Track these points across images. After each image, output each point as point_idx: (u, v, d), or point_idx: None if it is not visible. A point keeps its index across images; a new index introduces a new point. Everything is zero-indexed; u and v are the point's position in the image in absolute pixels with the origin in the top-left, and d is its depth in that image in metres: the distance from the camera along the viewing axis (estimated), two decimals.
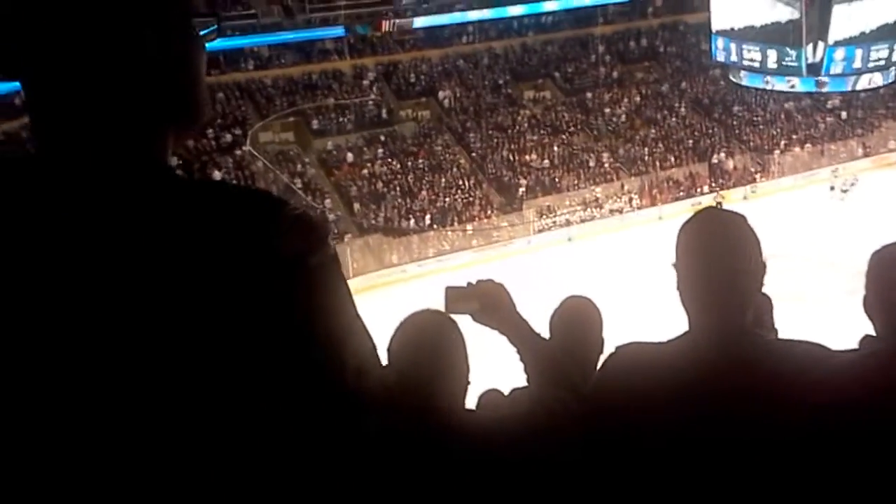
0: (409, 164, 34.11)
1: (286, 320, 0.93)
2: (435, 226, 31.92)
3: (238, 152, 31.93)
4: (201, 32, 1.07)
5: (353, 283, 26.10)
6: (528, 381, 2.03)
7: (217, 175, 30.59)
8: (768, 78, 24.01)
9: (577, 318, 2.84)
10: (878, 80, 23.94)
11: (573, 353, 2.49)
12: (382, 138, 34.82)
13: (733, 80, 26.73)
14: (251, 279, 0.91)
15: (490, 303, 2.03)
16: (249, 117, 33.61)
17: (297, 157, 33.40)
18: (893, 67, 23.45)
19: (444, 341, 1.87)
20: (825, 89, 24.96)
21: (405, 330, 1.89)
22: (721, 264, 1.62)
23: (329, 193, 32.27)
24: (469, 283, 2.09)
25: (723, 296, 1.62)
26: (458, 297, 2.05)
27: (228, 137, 32.39)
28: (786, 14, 22.59)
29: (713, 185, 35.73)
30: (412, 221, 31.83)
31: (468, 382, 1.92)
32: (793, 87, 24.47)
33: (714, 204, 34.00)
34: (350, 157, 33.81)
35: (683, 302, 1.71)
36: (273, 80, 35.48)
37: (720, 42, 25.24)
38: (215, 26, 1.09)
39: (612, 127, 37.74)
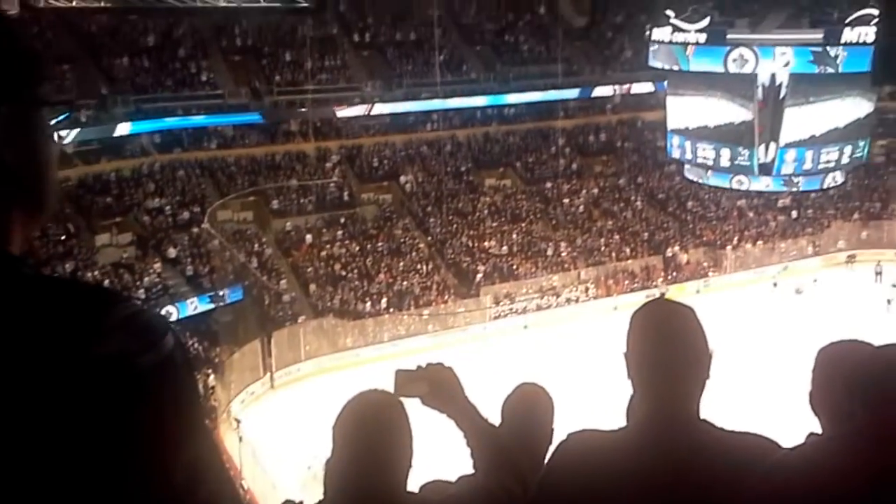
0: (369, 246, 34.05)
1: (102, 429, 0.84)
2: (391, 309, 31.65)
3: (195, 230, 31.57)
4: (53, 120, 0.97)
5: (304, 367, 25.49)
6: (474, 466, 1.96)
7: (172, 252, 30.16)
8: (741, 178, 24.45)
9: (529, 406, 2.77)
10: (837, 179, 24.75)
11: (523, 440, 2.41)
12: (343, 220, 34.81)
13: (698, 180, 27.00)
14: (63, 383, 0.82)
15: (439, 387, 2.00)
16: (209, 195, 33.41)
17: (255, 236, 33.14)
18: (843, 169, 24.27)
19: (389, 422, 1.83)
20: (795, 188, 25.57)
21: (350, 409, 1.86)
22: (669, 354, 1.65)
23: (285, 274, 31.93)
24: (419, 367, 2.07)
25: (671, 385, 1.65)
26: (408, 380, 2.03)
27: (186, 215, 32.09)
28: (740, 115, 23.37)
29: (667, 277, 36.18)
30: (368, 304, 31.54)
31: (410, 465, 1.87)
32: (767, 186, 24.98)
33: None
34: (309, 238, 33.65)
35: (634, 390, 1.74)
36: (236, 160, 35.48)
37: (675, 139, 25.97)
38: (69, 114, 0.98)
39: (570, 217, 38.27)
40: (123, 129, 31.88)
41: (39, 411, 0.81)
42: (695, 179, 26.86)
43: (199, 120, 34.59)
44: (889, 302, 32.18)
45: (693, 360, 1.68)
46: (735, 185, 25.60)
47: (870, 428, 1.26)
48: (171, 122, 33.75)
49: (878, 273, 35.99)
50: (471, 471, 2.05)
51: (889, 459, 1.20)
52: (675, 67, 23.79)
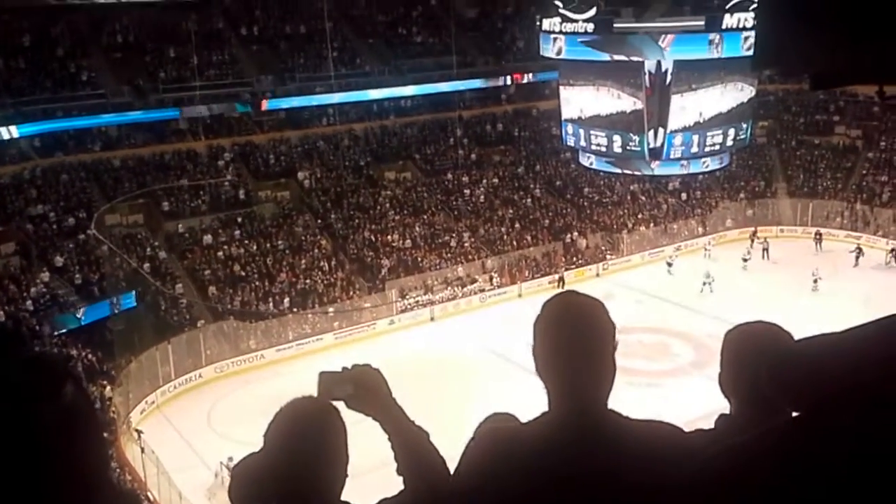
0: (268, 245, 33.37)
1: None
2: (295, 309, 31.14)
3: (81, 236, 30.21)
4: None
5: (205, 372, 24.79)
6: (398, 471, 1.91)
7: (59, 260, 28.79)
8: (632, 162, 25.19)
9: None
10: (723, 161, 25.81)
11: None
12: (239, 220, 33.98)
13: (591, 166, 27.65)
14: None
15: (365, 388, 1.94)
16: (95, 199, 32.02)
17: (147, 240, 31.97)
18: (727, 151, 25.28)
19: (323, 430, 1.80)
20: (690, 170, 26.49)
21: (284, 417, 1.80)
22: (576, 347, 1.66)
23: (181, 278, 30.95)
24: (344, 368, 2.00)
25: (579, 378, 1.65)
26: (332, 382, 1.95)
27: (72, 221, 30.66)
28: (629, 105, 24.01)
29: (568, 262, 36.96)
30: (271, 304, 30.93)
31: (346, 474, 1.85)
32: (657, 170, 25.78)
33: (558, 279, 35.21)
34: (205, 239, 32.70)
35: (543, 383, 1.71)
36: (122, 161, 34.12)
37: (570, 128, 26.47)
38: None
39: (471, 207, 38.57)
40: (2, 133, 30.18)
41: None
42: (589, 166, 27.45)
43: (81, 121, 33.08)
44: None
45: (601, 352, 1.69)
46: (627, 171, 26.34)
47: (782, 409, 1.26)
48: (51, 124, 32.16)
49: (765, 249, 37.75)
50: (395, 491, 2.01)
51: (801, 439, 1.19)
52: (565, 57, 24.24)
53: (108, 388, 24.67)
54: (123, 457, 22.42)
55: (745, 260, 36.91)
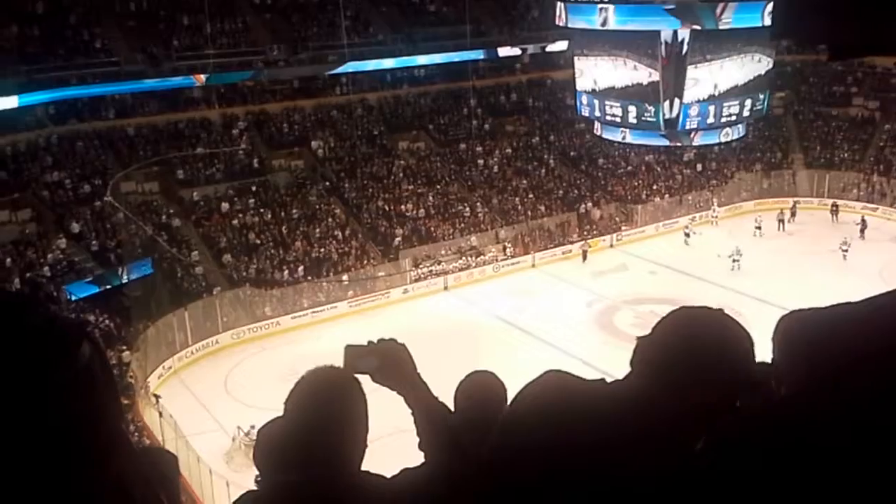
0: (283, 214, 33.49)
1: (17, 448, 0.79)
2: (309, 277, 31.34)
3: (98, 203, 30.40)
4: None
5: (222, 338, 25.03)
6: (420, 446, 1.95)
7: (75, 227, 29.02)
8: (648, 133, 24.96)
9: (481, 394, 2.82)
10: (739, 132, 25.58)
11: (476, 429, 2.33)
12: (254, 188, 34.08)
13: (608, 137, 27.24)
14: None
15: (391, 363, 1.96)
16: (110, 167, 32.16)
17: (162, 207, 32.14)
18: (744, 122, 25.07)
19: (344, 400, 1.82)
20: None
21: (305, 386, 1.83)
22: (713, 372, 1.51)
23: (196, 245, 31.15)
24: (370, 342, 2.03)
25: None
26: (358, 356, 1.99)
27: (87, 188, 30.84)
28: (645, 76, 23.78)
29: (582, 233, 36.94)
30: (286, 273, 31.13)
31: (366, 445, 1.86)
32: (672, 141, 25.55)
33: (581, 251, 35.06)
34: (220, 207, 32.85)
35: (641, 377, 1.61)
36: (136, 129, 34.20)
37: (584, 98, 26.29)
38: None
39: (485, 177, 38.50)
40: (16, 101, 30.26)
41: None
42: (605, 137, 27.29)
43: (95, 88, 33.11)
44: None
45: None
46: (643, 141, 26.17)
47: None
48: (65, 91, 32.19)
49: (781, 220, 37.57)
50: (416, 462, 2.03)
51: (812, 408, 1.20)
52: (582, 26, 24.02)
53: (126, 353, 25.01)
54: (141, 421, 22.78)
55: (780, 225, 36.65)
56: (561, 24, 24.43)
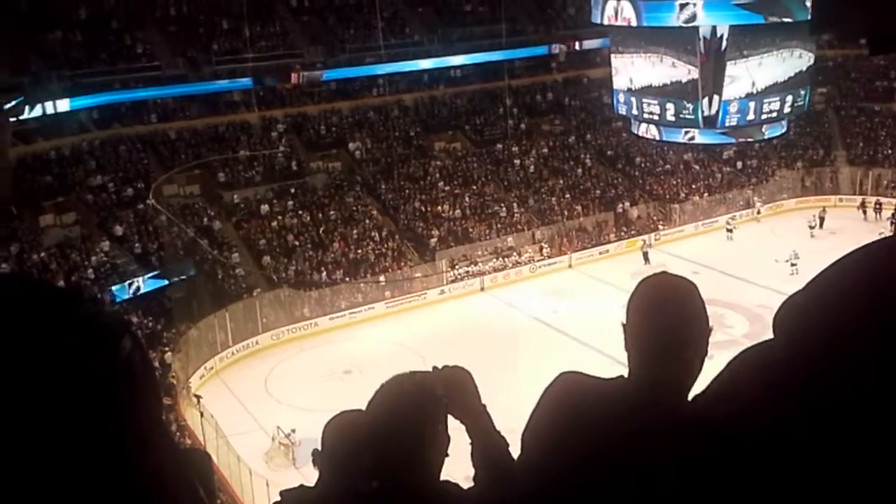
0: (321, 216, 33.75)
1: (57, 439, 0.79)
2: (347, 278, 31.54)
3: (140, 206, 30.93)
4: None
5: (262, 339, 25.30)
6: (474, 478, 1.90)
7: (118, 230, 29.56)
8: (688, 131, 24.49)
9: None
10: (780, 128, 25.09)
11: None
12: (292, 191, 34.41)
13: (645, 135, 26.88)
14: (14, 393, 0.78)
15: (456, 391, 1.89)
16: (152, 170, 32.70)
17: (203, 210, 32.60)
18: (785, 118, 24.66)
19: (432, 406, 1.81)
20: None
21: (392, 389, 1.81)
22: (670, 333, 1.64)
23: (237, 247, 31.55)
24: (434, 368, 1.97)
25: (669, 361, 1.63)
26: (422, 381, 1.91)
27: (130, 191, 31.40)
28: (683, 73, 23.49)
29: (619, 233, 36.65)
30: (324, 274, 31.37)
31: (447, 454, 1.85)
32: (713, 139, 25.01)
33: (642, 253, 34.56)
34: (259, 209, 33.23)
35: (629, 360, 1.71)
36: (177, 133, 34.73)
37: (621, 96, 26.06)
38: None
39: (521, 177, 38.40)
40: (67, 104, 30.96)
41: None
42: (642, 135, 27.02)
43: (137, 93, 33.72)
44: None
45: (693, 340, 1.67)
46: (683, 140, 25.80)
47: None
48: (108, 96, 32.83)
49: (822, 218, 36.89)
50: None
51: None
52: (619, 23, 23.80)
53: (168, 354, 25.41)
54: (183, 420, 23.11)
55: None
56: (607, 21, 24.06)
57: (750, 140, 27.62)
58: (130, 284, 27.32)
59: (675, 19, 22.08)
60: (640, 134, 26.41)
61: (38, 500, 0.78)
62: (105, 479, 0.81)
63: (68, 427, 0.79)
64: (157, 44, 35.53)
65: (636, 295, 1.75)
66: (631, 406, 1.58)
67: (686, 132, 24.83)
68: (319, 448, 2.25)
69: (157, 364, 24.36)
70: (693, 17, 21.86)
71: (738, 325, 27.63)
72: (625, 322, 1.74)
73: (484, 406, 1.93)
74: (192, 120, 35.31)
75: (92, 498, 0.81)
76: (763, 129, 24.48)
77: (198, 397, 24.22)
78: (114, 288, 26.84)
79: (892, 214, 35.99)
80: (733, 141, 25.72)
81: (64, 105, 30.92)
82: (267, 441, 22.26)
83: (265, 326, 29.03)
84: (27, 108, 29.03)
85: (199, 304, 28.12)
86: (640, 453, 1.50)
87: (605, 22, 23.72)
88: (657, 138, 25.93)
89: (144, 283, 27.67)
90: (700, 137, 24.75)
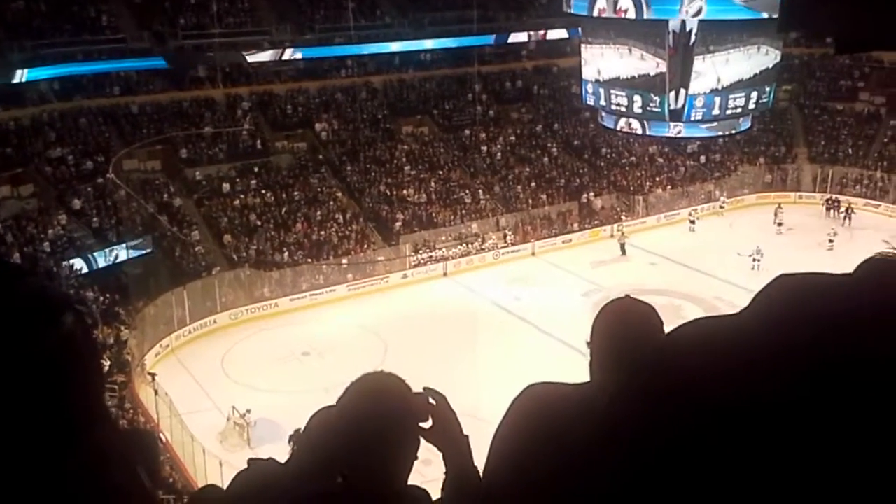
0: (284, 196, 33.45)
1: None
2: (309, 259, 31.34)
3: (100, 180, 30.37)
4: None
5: (220, 318, 25.04)
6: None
7: (77, 203, 29.02)
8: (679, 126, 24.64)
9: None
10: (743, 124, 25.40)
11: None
12: (256, 169, 34.04)
13: (613, 126, 26.91)
14: None
15: (436, 417, 1.81)
16: (113, 144, 32.11)
17: (164, 186, 32.11)
18: (749, 114, 24.98)
19: (404, 408, 1.74)
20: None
21: (365, 390, 1.74)
22: (630, 354, 1.72)
23: (197, 225, 31.14)
24: (418, 393, 1.87)
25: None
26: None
27: (90, 164, 30.80)
28: (652, 66, 23.65)
29: (583, 223, 36.90)
30: (286, 255, 31.13)
31: (416, 458, 1.80)
32: (679, 132, 25.19)
33: (619, 245, 34.52)
34: (221, 187, 32.82)
35: (591, 375, 1.84)
36: (140, 107, 34.11)
37: (590, 87, 26.18)
38: None
39: (487, 164, 38.43)
40: (25, 75, 30.20)
41: None
42: (610, 126, 27.17)
43: (100, 65, 33.02)
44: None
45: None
46: (671, 133, 25.90)
47: None
48: (71, 67, 32.10)
49: (849, 212, 37.25)
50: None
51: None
52: (590, 13, 23.85)
53: (124, 330, 25.06)
54: (137, 398, 22.87)
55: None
56: (597, 12, 23.90)
57: (732, 132, 27.88)
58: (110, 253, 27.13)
59: (684, 13, 22.03)
60: (621, 129, 26.29)
61: None
62: (44, 455, 0.79)
63: (5, 401, 0.77)
64: (122, 16, 34.80)
65: (600, 318, 1.88)
66: (598, 411, 1.57)
67: (674, 126, 24.96)
68: (301, 430, 2.20)
69: (112, 341, 24.02)
70: (699, 12, 21.87)
71: (693, 316, 27.86)
72: (589, 341, 1.86)
73: (466, 437, 1.86)
74: (155, 94, 34.70)
75: (32, 474, 0.79)
76: (739, 122, 24.77)
77: (152, 375, 23.95)
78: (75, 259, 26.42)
79: (845, 209, 36.89)
80: (720, 134, 25.94)
81: (24, 75, 30.21)
82: (222, 421, 22.11)
83: (224, 305, 28.75)
84: None
85: (156, 281, 27.75)
86: (610, 459, 1.49)
87: (595, 13, 23.52)
88: (640, 132, 25.97)
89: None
90: (687, 131, 24.99)
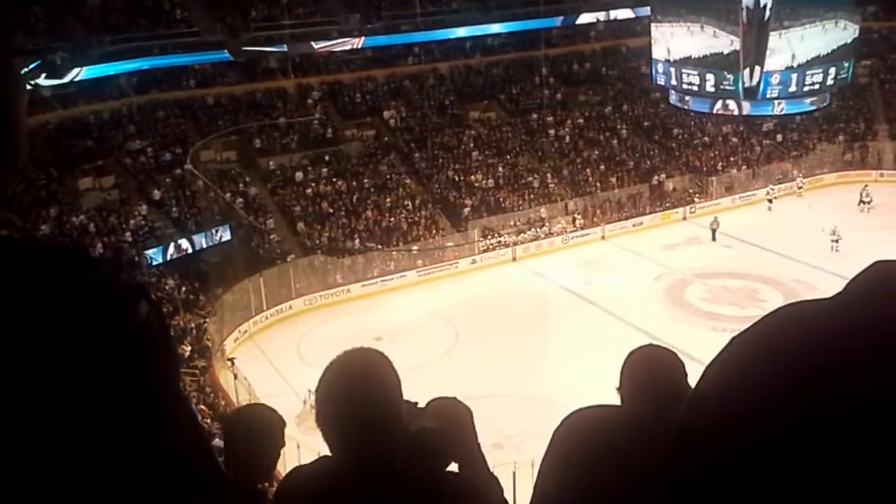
0: (354, 184, 33.90)
1: (70, 408, 0.78)
2: (380, 246, 31.72)
3: (178, 171, 31.30)
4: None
5: (295, 304, 25.58)
6: None
7: (156, 194, 29.97)
8: (727, 102, 24.10)
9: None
10: (822, 101, 24.64)
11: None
12: (327, 158, 34.56)
13: (683, 106, 26.44)
14: (24, 362, 0.75)
15: (453, 427, 1.78)
16: (190, 135, 33.01)
17: (240, 176, 32.90)
18: (827, 91, 24.20)
19: (381, 376, 1.70)
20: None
21: (336, 372, 1.71)
22: (657, 395, 1.81)
23: (272, 213, 31.85)
24: (429, 403, 1.87)
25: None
26: (413, 415, 1.78)
27: (168, 156, 31.76)
28: (725, 44, 23.10)
29: (654, 205, 36.33)
30: (357, 241, 31.58)
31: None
32: (751, 110, 24.58)
33: (711, 230, 33.72)
34: (294, 176, 33.45)
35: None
36: (215, 99, 34.96)
37: (660, 66, 25.74)
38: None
39: (555, 148, 38.14)
40: (104, 70, 31.26)
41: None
42: (680, 105, 26.67)
43: (175, 59, 33.92)
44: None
45: (678, 396, 1.77)
46: (720, 111, 25.44)
47: None
48: (147, 61, 33.08)
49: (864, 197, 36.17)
50: None
51: None
52: None
53: (203, 317, 25.84)
54: (217, 383, 23.56)
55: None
56: None
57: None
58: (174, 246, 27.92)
59: None
60: (718, 111, 25.54)
61: (57, 473, 0.76)
62: (122, 445, 0.80)
63: (81, 394, 0.77)
64: (195, 10, 35.65)
65: (628, 367, 1.91)
66: (634, 435, 1.67)
67: (778, 104, 24.37)
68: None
69: (192, 327, 24.81)
70: None
71: (771, 300, 27.34)
72: (618, 387, 1.91)
73: (479, 445, 1.83)
74: (229, 86, 35.50)
75: (111, 463, 0.79)
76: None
77: (232, 360, 24.64)
78: (151, 251, 27.34)
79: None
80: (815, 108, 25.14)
81: (106, 70, 31.24)
82: (299, 404, 22.62)
83: (298, 292, 29.36)
84: (69, 72, 29.41)
85: (233, 268, 28.51)
86: (650, 479, 1.55)
87: None
88: (737, 113, 25.37)
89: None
90: (788, 108, 24.45)
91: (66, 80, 29.57)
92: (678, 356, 1.95)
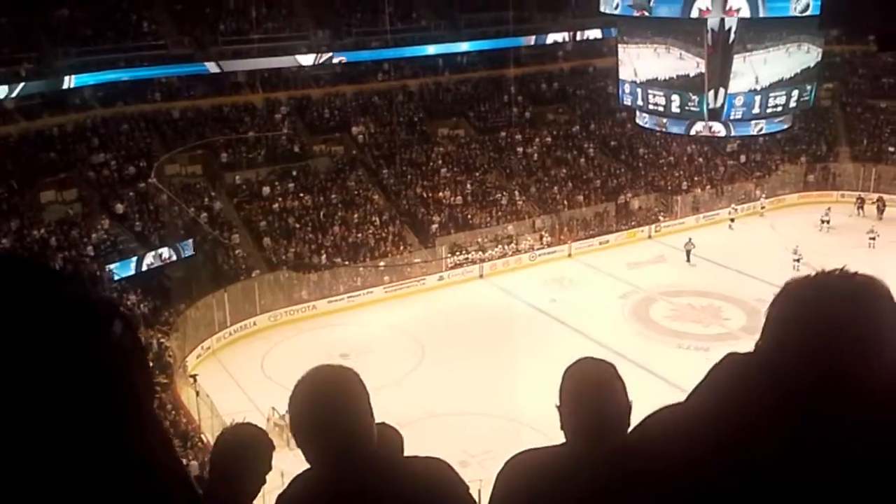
0: (322, 199, 33.73)
1: (44, 425, 0.76)
2: (347, 262, 31.55)
3: (142, 185, 30.89)
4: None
5: (259, 320, 25.36)
6: None
7: (119, 208, 29.54)
8: (693, 123, 24.42)
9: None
10: (784, 123, 25.13)
11: None
12: (294, 173, 34.36)
13: (652, 127, 26.66)
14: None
15: (440, 486, 1.80)
16: (155, 149, 32.64)
17: (205, 190, 32.56)
18: (790, 113, 24.60)
19: (350, 393, 1.74)
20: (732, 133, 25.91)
21: (310, 384, 1.75)
22: (598, 407, 1.85)
23: (237, 228, 31.53)
24: (415, 457, 1.89)
25: (601, 433, 1.82)
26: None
27: (132, 169, 31.34)
28: (691, 66, 23.40)
29: (620, 223, 36.63)
30: (323, 257, 31.38)
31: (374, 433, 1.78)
32: (717, 131, 24.93)
33: (685, 251, 33.79)
34: (261, 191, 33.19)
35: (566, 435, 1.90)
36: (181, 112, 34.63)
37: (627, 87, 25.99)
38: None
39: (523, 166, 38.34)
40: (73, 82, 30.86)
41: None
42: (656, 128, 26.93)
43: (142, 71, 33.59)
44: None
45: (618, 416, 1.85)
46: (687, 132, 25.72)
47: None
48: (113, 74, 32.71)
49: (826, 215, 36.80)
50: None
51: None
52: (627, 13, 23.68)
53: (166, 333, 25.44)
54: (179, 400, 23.18)
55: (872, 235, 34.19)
56: (605, 10, 24.05)
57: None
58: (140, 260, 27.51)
59: (681, 10, 21.97)
60: (697, 133, 25.75)
61: (30, 489, 0.75)
62: (94, 465, 0.78)
63: (55, 414, 0.76)
64: (162, 23, 35.39)
65: (566, 380, 1.95)
66: (577, 476, 1.74)
67: (756, 124, 24.74)
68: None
69: (154, 343, 24.41)
70: (618, 6, 21.96)
71: (734, 318, 27.67)
72: (559, 405, 1.92)
73: (472, 498, 1.85)
74: (196, 100, 35.21)
75: (81, 483, 0.78)
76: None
77: (194, 377, 24.26)
78: (114, 265, 26.90)
79: (877, 207, 36.89)
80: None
81: (75, 82, 30.84)
82: (262, 421, 22.31)
83: (263, 308, 29.06)
84: (30, 83, 28.97)
85: (197, 284, 28.14)
86: None
87: (611, 11, 23.50)
88: (722, 134, 25.80)
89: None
90: (767, 127, 24.87)
91: (33, 91, 29.14)
92: (615, 368, 1.97)
